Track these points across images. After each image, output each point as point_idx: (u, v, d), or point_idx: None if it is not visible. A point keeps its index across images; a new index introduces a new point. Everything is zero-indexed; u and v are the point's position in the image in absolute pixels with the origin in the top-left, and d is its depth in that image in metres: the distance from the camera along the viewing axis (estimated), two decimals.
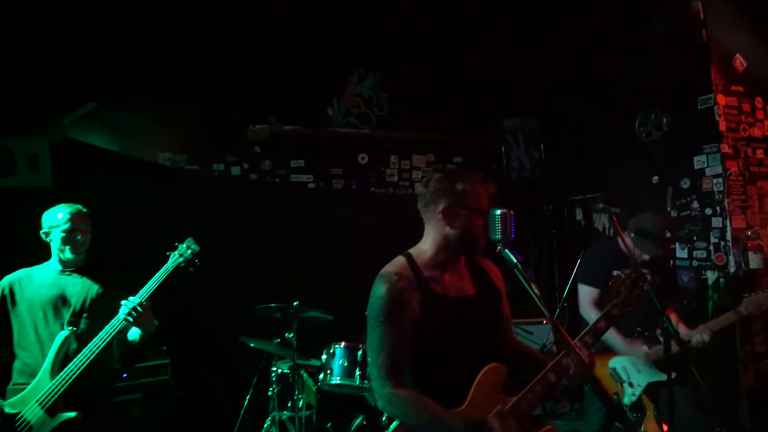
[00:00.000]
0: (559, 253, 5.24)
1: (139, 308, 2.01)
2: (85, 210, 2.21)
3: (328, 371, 3.15)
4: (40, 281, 2.13)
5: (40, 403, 1.89)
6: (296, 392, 3.30)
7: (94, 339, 1.99)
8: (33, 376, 1.99)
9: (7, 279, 2.14)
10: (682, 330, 2.66)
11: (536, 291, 1.33)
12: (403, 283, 1.42)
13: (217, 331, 3.89)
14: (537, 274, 5.22)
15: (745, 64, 3.90)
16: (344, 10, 4.42)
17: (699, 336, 2.55)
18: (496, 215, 1.38)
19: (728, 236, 3.66)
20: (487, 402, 1.39)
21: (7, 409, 1.90)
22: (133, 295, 2.11)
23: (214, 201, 4.25)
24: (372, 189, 4.99)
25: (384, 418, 3.00)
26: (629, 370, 2.66)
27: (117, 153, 4.09)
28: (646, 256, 2.72)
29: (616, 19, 4.17)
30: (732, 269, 3.63)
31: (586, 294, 2.77)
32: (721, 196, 3.71)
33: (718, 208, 3.73)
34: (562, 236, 5.36)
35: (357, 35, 4.61)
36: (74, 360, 1.96)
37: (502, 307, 1.60)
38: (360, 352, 3.14)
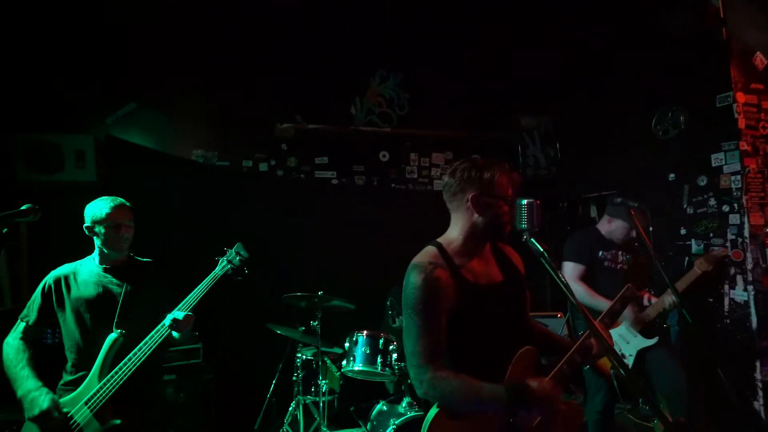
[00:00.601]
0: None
1: (178, 322, 1.90)
2: (128, 204, 2.10)
3: (351, 358, 3.22)
4: (85, 278, 2.01)
5: (88, 406, 1.83)
6: (320, 377, 3.35)
7: (140, 345, 1.90)
8: (81, 376, 1.92)
9: (53, 275, 2.02)
10: (651, 299, 2.92)
11: (563, 279, 1.33)
12: (437, 272, 1.41)
13: (245, 318, 3.97)
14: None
15: (766, 62, 3.81)
16: (367, 14, 4.46)
17: (669, 299, 2.79)
18: (522, 205, 1.38)
19: (746, 233, 3.59)
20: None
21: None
22: (174, 293, 2.05)
23: (244, 195, 4.35)
24: (392, 185, 5.03)
25: (404, 404, 3.05)
26: (619, 343, 2.82)
27: (154, 150, 4.22)
28: (622, 234, 3.00)
29: (634, 17, 4.11)
30: (750, 265, 3.57)
31: (572, 270, 2.99)
32: (739, 193, 3.64)
33: (735, 205, 3.66)
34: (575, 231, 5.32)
35: (379, 38, 4.65)
36: (121, 364, 1.88)
37: (526, 291, 1.61)
38: (381, 341, 3.19)
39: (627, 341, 2.86)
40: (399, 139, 5.07)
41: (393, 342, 3.20)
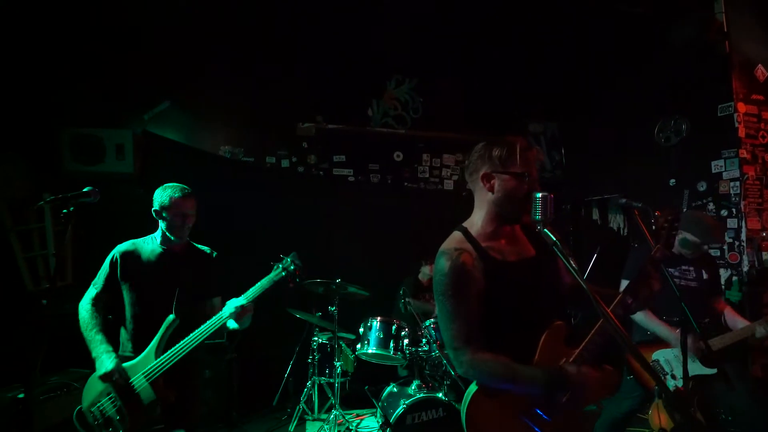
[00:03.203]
0: (575, 250, 5.21)
1: (242, 308, 1.96)
2: (192, 193, 2.13)
3: (365, 342, 3.25)
4: (147, 256, 2.07)
5: (146, 377, 1.93)
6: (336, 359, 3.40)
7: (198, 330, 1.97)
8: (138, 346, 1.99)
9: (119, 249, 2.08)
10: (741, 322, 2.50)
11: (574, 266, 1.32)
12: (464, 257, 1.38)
13: (266, 303, 4.05)
14: None
15: (767, 74, 3.78)
16: (385, 22, 4.50)
17: (762, 328, 2.38)
18: (537, 198, 1.34)
19: (743, 237, 3.58)
20: (553, 356, 1.39)
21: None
22: (223, 283, 2.14)
23: (267, 189, 4.42)
24: (405, 183, 5.06)
25: (413, 386, 3.08)
26: (672, 363, 2.52)
27: (186, 145, 4.30)
28: (686, 252, 2.57)
29: (640, 28, 4.10)
30: (745, 268, 3.56)
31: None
32: (737, 199, 3.63)
33: (733, 209, 3.65)
34: (578, 233, 5.32)
35: (396, 45, 4.68)
36: (179, 345, 1.95)
37: (559, 263, 1.49)
38: (394, 327, 3.23)
39: (681, 363, 2.37)
40: (412, 140, 5.10)
41: (405, 328, 3.25)
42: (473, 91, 5.14)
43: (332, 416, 3.25)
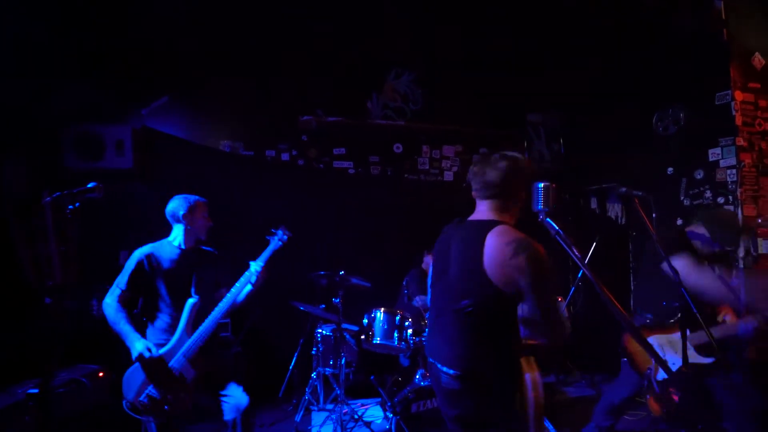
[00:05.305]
0: (574, 238, 5.24)
1: (262, 269, 2.36)
2: None
3: (370, 333, 3.27)
4: (168, 257, 2.32)
5: (184, 356, 2.17)
6: (340, 351, 3.42)
7: (224, 299, 2.30)
8: (168, 333, 2.23)
9: (142, 252, 2.30)
10: (731, 319, 2.41)
11: (577, 253, 1.35)
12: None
13: (270, 296, 4.06)
14: (552, 254, 5.23)
15: (764, 62, 3.79)
16: (384, 14, 4.45)
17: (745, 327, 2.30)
18: (539, 188, 1.40)
19: (740, 224, 3.61)
20: None
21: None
22: (225, 274, 2.43)
23: (267, 183, 4.41)
24: (405, 175, 5.05)
25: (418, 375, 3.11)
26: (665, 348, 2.47)
27: (185, 140, 4.26)
28: (716, 248, 2.47)
29: (639, 17, 4.08)
30: (741, 254, 3.59)
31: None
32: (734, 186, 3.65)
33: (730, 197, 3.68)
34: (577, 222, 5.35)
35: (396, 37, 4.64)
36: (209, 318, 2.24)
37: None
38: (398, 318, 3.24)
39: (676, 350, 2.41)
40: (412, 132, 5.08)
41: (408, 319, 3.27)
42: (473, 82, 5.09)
43: (338, 406, 3.28)
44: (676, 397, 2.43)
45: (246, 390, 2.31)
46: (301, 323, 4.05)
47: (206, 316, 2.26)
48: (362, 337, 3.33)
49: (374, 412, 3.61)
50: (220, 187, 3.89)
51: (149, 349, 2.11)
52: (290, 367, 3.97)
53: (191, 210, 2.36)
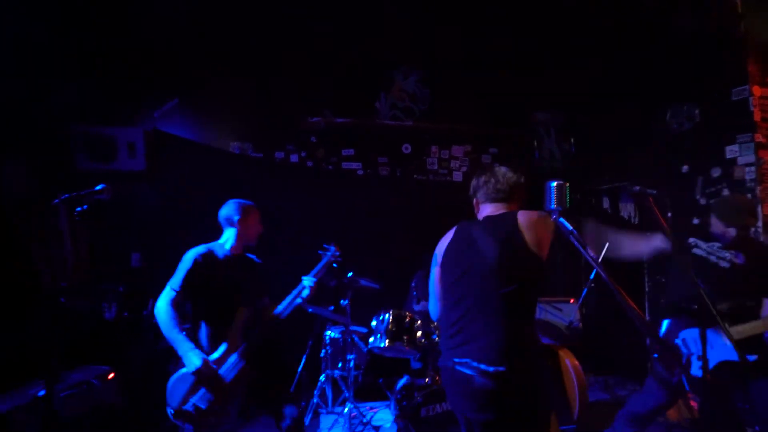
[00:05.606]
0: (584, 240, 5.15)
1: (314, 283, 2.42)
2: None
3: (378, 335, 3.22)
4: (220, 260, 2.28)
5: (233, 365, 2.14)
6: (348, 353, 3.38)
7: (279, 306, 2.36)
8: (214, 343, 2.17)
9: (197, 251, 2.26)
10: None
11: (592, 254, 1.31)
12: None
13: (279, 298, 4.05)
14: (564, 256, 5.15)
15: None
16: (392, 14, 4.44)
17: None
18: (552, 186, 1.37)
19: (759, 223, 3.50)
20: None
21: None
22: (264, 282, 2.43)
23: (276, 184, 4.40)
24: (414, 176, 5.02)
25: (427, 378, 3.07)
26: (699, 344, 2.28)
27: (195, 142, 4.29)
28: (732, 231, 2.38)
29: (653, 11, 3.99)
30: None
31: None
32: (753, 184, 3.55)
33: (749, 195, 3.57)
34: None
35: (403, 37, 4.63)
36: (259, 327, 2.26)
37: None
38: (407, 320, 3.20)
39: (711, 345, 2.26)
40: (421, 132, 5.05)
41: (417, 321, 3.22)
42: (481, 81, 5.04)
43: (346, 409, 3.25)
44: (694, 403, 2.33)
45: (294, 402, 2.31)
46: (309, 325, 4.03)
47: (254, 325, 2.24)
48: (371, 339, 3.29)
49: (383, 416, 3.57)
50: (230, 188, 3.85)
51: (206, 363, 2.06)
52: (299, 370, 3.95)
53: (245, 215, 2.36)
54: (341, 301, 3.50)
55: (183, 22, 4.04)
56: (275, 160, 4.73)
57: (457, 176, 5.09)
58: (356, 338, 3.64)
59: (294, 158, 4.79)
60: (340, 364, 3.64)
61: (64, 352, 2.44)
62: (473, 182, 1.94)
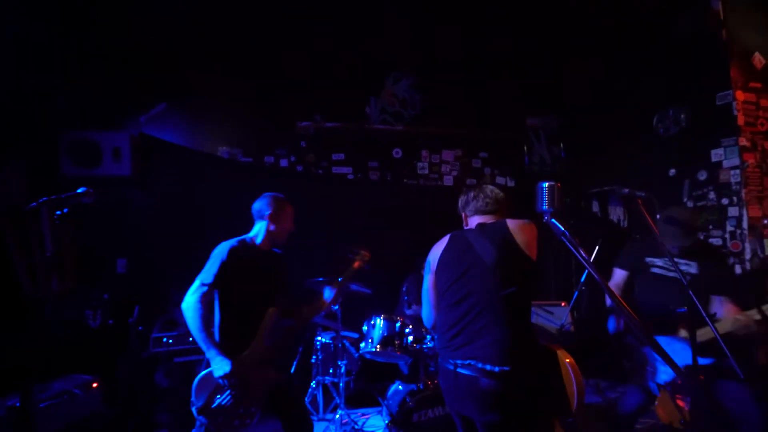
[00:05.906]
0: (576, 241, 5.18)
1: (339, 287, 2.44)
2: None
3: (369, 340, 3.19)
4: (250, 255, 2.20)
5: (258, 366, 2.08)
6: (339, 359, 3.35)
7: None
8: (240, 340, 2.08)
9: (230, 245, 2.16)
10: (732, 311, 2.27)
11: (584, 255, 1.29)
12: None
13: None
14: (556, 260, 5.17)
15: (764, 62, 3.75)
16: (382, 19, 4.46)
17: (735, 323, 2.16)
18: (543, 187, 1.34)
19: (744, 225, 3.55)
20: None
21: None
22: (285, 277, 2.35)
23: (265, 189, 4.34)
24: (405, 180, 5.01)
25: (419, 384, 3.04)
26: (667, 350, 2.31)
27: (183, 146, 4.24)
28: (684, 242, 2.41)
29: (637, 17, 4.06)
30: (748, 256, 3.53)
31: (613, 275, 2.65)
32: (738, 187, 3.60)
33: (734, 198, 3.62)
34: (578, 226, 5.28)
35: (394, 41, 4.64)
36: (285, 330, 2.24)
37: None
38: (398, 324, 3.17)
39: (674, 351, 2.28)
40: (411, 137, 5.05)
41: (408, 326, 3.20)
42: (471, 86, 5.08)
43: (337, 416, 3.20)
44: (683, 404, 2.33)
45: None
46: (299, 331, 3.98)
47: (281, 323, 2.19)
48: (362, 344, 3.26)
49: (375, 422, 3.52)
50: (219, 193, 3.84)
51: (234, 369, 2.00)
52: (289, 376, 3.89)
53: (277, 209, 2.28)
54: (332, 307, 3.46)
55: (171, 28, 4.01)
56: (265, 165, 4.69)
57: (448, 180, 5.09)
58: (347, 344, 3.61)
59: (284, 163, 4.75)
60: (331, 370, 3.59)
61: (47, 362, 2.37)
62: (461, 199, 2.04)
